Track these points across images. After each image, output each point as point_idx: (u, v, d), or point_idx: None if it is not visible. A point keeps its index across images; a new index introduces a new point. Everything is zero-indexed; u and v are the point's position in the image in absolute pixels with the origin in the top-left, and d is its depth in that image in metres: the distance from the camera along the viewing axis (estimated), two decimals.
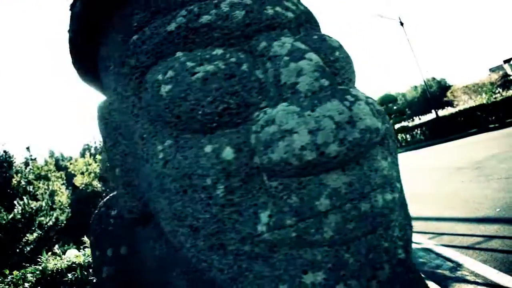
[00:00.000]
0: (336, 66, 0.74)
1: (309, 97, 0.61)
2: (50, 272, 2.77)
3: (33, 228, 10.98)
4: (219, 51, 0.68)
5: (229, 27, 0.72)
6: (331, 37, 0.78)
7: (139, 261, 0.96)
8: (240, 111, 0.66)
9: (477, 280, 2.97)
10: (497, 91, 20.09)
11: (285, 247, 0.62)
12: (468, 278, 3.06)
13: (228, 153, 0.63)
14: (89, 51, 1.02)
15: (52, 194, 13.14)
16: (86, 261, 2.89)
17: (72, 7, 0.96)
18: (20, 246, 10.34)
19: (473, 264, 3.26)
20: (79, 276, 2.78)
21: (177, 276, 0.85)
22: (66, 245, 8.24)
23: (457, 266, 3.33)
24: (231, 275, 0.66)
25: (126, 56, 0.81)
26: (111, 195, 1.11)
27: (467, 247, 3.65)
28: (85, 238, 3.42)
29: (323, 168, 0.59)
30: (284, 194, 0.61)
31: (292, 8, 0.81)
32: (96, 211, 1.09)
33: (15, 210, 11.19)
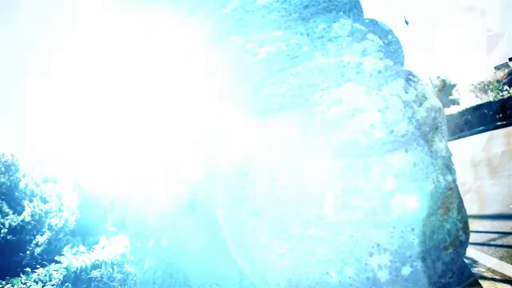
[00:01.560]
0: (390, 50, 0.73)
1: (374, 77, 0.61)
2: (74, 269, 2.79)
3: (43, 230, 11.01)
4: (278, 33, 0.68)
5: (287, 9, 0.71)
6: (381, 21, 0.77)
7: (181, 251, 0.96)
8: (302, 92, 0.65)
9: (494, 276, 2.93)
10: (504, 89, 19.85)
11: (350, 228, 0.61)
12: (485, 274, 3.02)
13: (294, 133, 0.63)
14: None
15: (60, 196, 13.19)
16: (109, 258, 2.90)
17: None
18: (30, 248, 10.37)
19: (489, 261, 3.21)
20: (104, 273, 2.80)
21: (226, 264, 0.85)
22: (75, 247, 8.28)
23: (473, 262, 3.29)
24: (293, 260, 0.65)
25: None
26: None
27: (482, 244, 3.61)
28: (103, 237, 3.43)
29: (390, 148, 0.58)
30: (350, 174, 0.60)
31: None
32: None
33: (25, 212, 11.23)
